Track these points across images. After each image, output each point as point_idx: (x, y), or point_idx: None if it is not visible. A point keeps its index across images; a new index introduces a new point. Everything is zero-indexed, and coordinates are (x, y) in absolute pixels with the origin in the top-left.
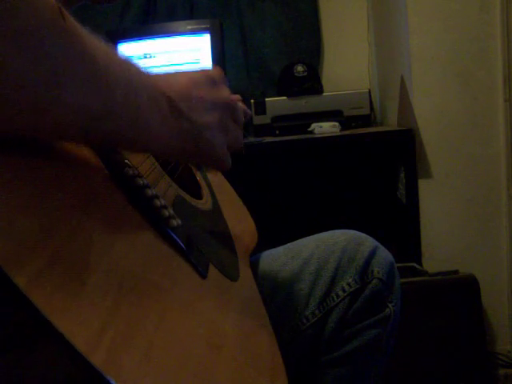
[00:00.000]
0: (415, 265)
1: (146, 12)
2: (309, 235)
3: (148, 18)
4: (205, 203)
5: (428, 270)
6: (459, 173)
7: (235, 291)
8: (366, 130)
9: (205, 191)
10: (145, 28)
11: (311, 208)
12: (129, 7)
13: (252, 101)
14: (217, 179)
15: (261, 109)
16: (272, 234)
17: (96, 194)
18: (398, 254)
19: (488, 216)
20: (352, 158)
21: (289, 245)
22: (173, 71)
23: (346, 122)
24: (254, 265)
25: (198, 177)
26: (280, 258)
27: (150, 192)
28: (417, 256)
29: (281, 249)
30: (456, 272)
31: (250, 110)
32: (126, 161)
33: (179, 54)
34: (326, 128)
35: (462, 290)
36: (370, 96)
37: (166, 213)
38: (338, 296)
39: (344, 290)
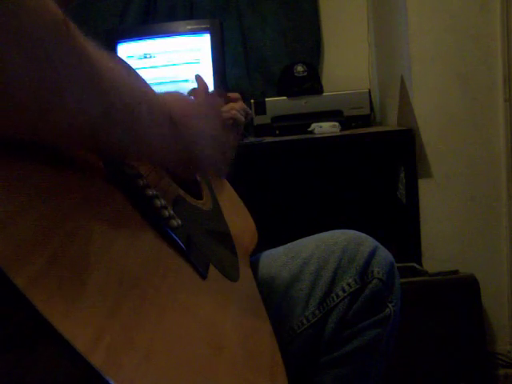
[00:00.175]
0: (415, 265)
1: (146, 12)
2: (309, 235)
3: (148, 18)
4: (205, 203)
5: (428, 270)
6: (459, 173)
7: (235, 291)
8: (366, 130)
9: (205, 191)
10: (145, 28)
11: (311, 208)
12: (129, 7)
13: (252, 101)
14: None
15: (261, 109)
16: (272, 233)
17: (96, 195)
18: (397, 254)
19: (488, 216)
20: (352, 158)
21: (289, 245)
22: (179, 94)
23: (346, 121)
24: (254, 265)
25: (198, 177)
26: (280, 258)
27: (150, 192)
28: (417, 256)
29: (281, 249)
30: (456, 272)
31: (250, 110)
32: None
33: (179, 53)
34: (325, 128)
35: (462, 290)
36: (370, 96)
37: (166, 213)
38: (338, 296)
39: (344, 290)
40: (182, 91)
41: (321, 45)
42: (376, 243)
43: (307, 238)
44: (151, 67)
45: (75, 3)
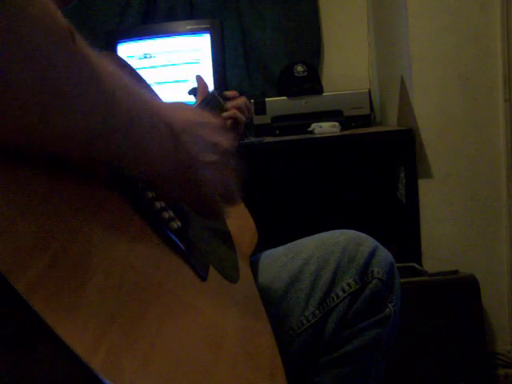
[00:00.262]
0: (415, 265)
1: (146, 12)
2: (309, 235)
3: (148, 18)
4: None
5: (428, 270)
6: (459, 173)
7: (235, 293)
8: (366, 130)
9: None
10: (145, 28)
11: (311, 208)
12: (129, 7)
13: (252, 101)
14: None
15: (261, 109)
16: (272, 233)
17: (95, 197)
18: (398, 254)
19: (488, 216)
20: (352, 158)
21: (289, 245)
22: (178, 104)
23: (346, 121)
24: (254, 265)
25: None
26: (280, 258)
27: (150, 194)
28: (417, 256)
29: (281, 249)
30: (456, 272)
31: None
32: None
33: (179, 54)
34: (325, 128)
35: (462, 290)
36: (370, 96)
37: (166, 215)
38: (338, 296)
39: (344, 291)
40: (184, 103)
41: (321, 45)
42: (376, 243)
43: (307, 238)
44: (151, 67)
45: (74, 2)
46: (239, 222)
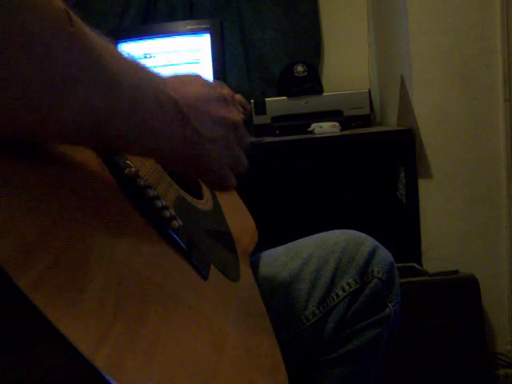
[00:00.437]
0: (415, 265)
1: (146, 12)
2: (309, 235)
3: (148, 18)
4: (205, 203)
5: (428, 270)
6: (459, 173)
7: (236, 292)
8: (366, 130)
9: (205, 191)
10: (145, 28)
11: (311, 208)
12: (129, 7)
13: (252, 101)
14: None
15: (261, 109)
16: (272, 234)
17: (97, 196)
18: (398, 254)
19: (488, 216)
20: (352, 158)
21: (289, 245)
22: (188, 77)
23: (346, 122)
24: (254, 265)
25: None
26: (280, 258)
27: (151, 193)
28: (417, 256)
29: (281, 249)
30: (456, 272)
31: (250, 110)
32: (128, 161)
33: (179, 53)
34: (325, 128)
35: (462, 290)
36: (370, 96)
37: (167, 213)
38: (337, 296)
39: (344, 290)
40: (196, 75)
41: (321, 45)
42: (376, 243)
43: (307, 237)
44: (151, 67)
45: (73, 2)
46: (239, 221)
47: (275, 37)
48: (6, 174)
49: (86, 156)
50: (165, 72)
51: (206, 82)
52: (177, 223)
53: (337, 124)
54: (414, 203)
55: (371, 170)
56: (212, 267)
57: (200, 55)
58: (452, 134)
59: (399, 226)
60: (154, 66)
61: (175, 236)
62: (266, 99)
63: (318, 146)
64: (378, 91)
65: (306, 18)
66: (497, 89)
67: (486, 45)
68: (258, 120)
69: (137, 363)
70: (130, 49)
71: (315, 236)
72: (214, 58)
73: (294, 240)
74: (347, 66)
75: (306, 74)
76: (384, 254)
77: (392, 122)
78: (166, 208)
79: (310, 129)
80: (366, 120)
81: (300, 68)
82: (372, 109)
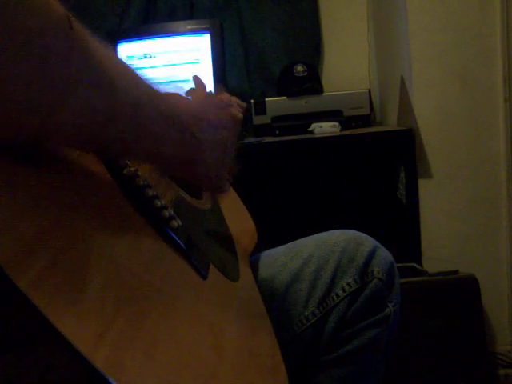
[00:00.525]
0: (415, 265)
1: (146, 12)
2: (309, 235)
3: (148, 17)
4: (205, 203)
5: (428, 270)
6: (459, 173)
7: (236, 291)
8: (366, 130)
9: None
10: (145, 28)
11: (311, 208)
12: (129, 7)
13: (252, 101)
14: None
15: (261, 109)
16: (272, 234)
17: (96, 195)
18: (397, 254)
19: (488, 216)
20: (352, 158)
21: (289, 245)
22: (185, 95)
23: (346, 122)
24: (253, 265)
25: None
26: (280, 258)
27: (150, 192)
28: (417, 256)
29: (281, 249)
30: (456, 272)
31: (250, 110)
32: (127, 161)
33: (179, 53)
34: (326, 128)
35: (462, 290)
36: (370, 96)
37: (167, 213)
38: (337, 296)
39: (344, 290)
40: (179, 91)
41: (321, 45)
42: (376, 243)
43: (307, 237)
44: (151, 67)
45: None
46: (239, 221)
47: (275, 37)
48: (5, 174)
49: (85, 157)
50: (164, 72)
51: (204, 90)
52: (176, 223)
53: (337, 124)
54: (414, 203)
55: (371, 170)
56: (211, 267)
57: (200, 55)
58: (452, 134)
59: (399, 226)
60: (154, 66)
61: (174, 236)
62: (266, 99)
63: (318, 146)
64: (378, 91)
65: (306, 17)
66: (497, 89)
67: (486, 44)
68: (257, 120)
69: (136, 363)
70: (130, 49)
71: (315, 236)
72: (213, 58)
73: (294, 240)
74: (347, 66)
75: (306, 73)
76: (384, 254)
77: (392, 122)
78: (165, 208)
79: (309, 129)
80: (366, 120)
81: (300, 68)
82: (372, 109)
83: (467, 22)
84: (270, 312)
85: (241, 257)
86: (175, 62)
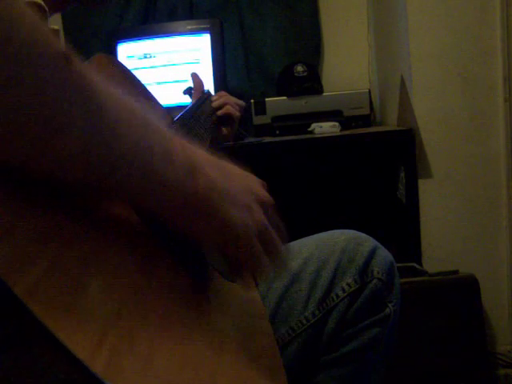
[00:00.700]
0: (415, 265)
1: (146, 12)
2: (309, 235)
3: (148, 18)
4: None
5: (428, 270)
6: (459, 173)
7: (235, 292)
8: (366, 130)
9: None
10: (145, 28)
11: (311, 208)
12: (129, 7)
13: (252, 101)
14: None
15: (261, 109)
16: None
17: (91, 200)
18: (397, 254)
19: (488, 216)
20: (352, 158)
21: (288, 245)
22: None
23: (346, 122)
24: None
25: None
26: None
27: None
28: (417, 256)
29: None
30: (456, 272)
31: (250, 110)
32: None
33: (179, 54)
34: (326, 128)
35: (462, 290)
36: (370, 96)
37: None
38: (337, 296)
39: (344, 290)
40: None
41: (321, 45)
42: (376, 243)
43: (307, 237)
44: (151, 67)
45: (73, 6)
46: None
47: (275, 37)
48: (1, 179)
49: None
50: (164, 72)
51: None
52: None
53: (337, 124)
54: (414, 203)
55: (371, 169)
56: (210, 268)
57: (200, 55)
58: (452, 134)
59: (399, 226)
60: (154, 66)
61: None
62: (266, 99)
63: (318, 146)
64: (378, 91)
65: (306, 18)
66: (497, 89)
67: (486, 45)
68: (257, 120)
69: (136, 367)
70: (130, 49)
71: (315, 236)
72: (213, 57)
73: (293, 240)
74: (347, 66)
75: (305, 73)
76: (384, 254)
77: (392, 122)
78: None
79: (309, 129)
80: (366, 120)
81: (300, 68)
82: (372, 109)
83: (467, 22)
84: (269, 312)
85: None
86: (175, 62)
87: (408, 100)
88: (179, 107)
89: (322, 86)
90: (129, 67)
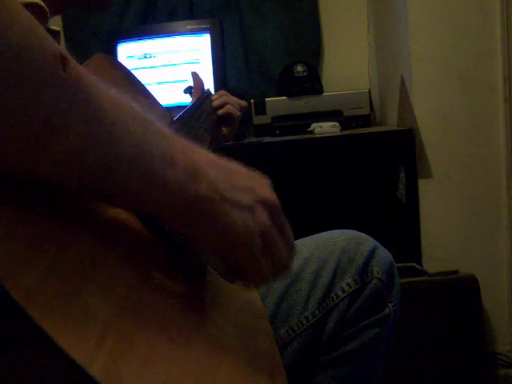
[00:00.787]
0: (415, 265)
1: (146, 12)
2: (309, 235)
3: (148, 18)
4: None
5: (428, 270)
6: (459, 173)
7: (235, 292)
8: (366, 130)
9: None
10: (145, 28)
11: (311, 208)
12: (129, 7)
13: (252, 101)
14: None
15: (261, 109)
16: None
17: (93, 203)
18: (397, 254)
19: (488, 216)
20: (352, 157)
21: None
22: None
23: (346, 122)
24: None
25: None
26: None
27: None
28: (417, 256)
29: None
30: (456, 272)
31: (250, 110)
32: None
33: (179, 53)
34: (326, 128)
35: (462, 290)
36: (370, 96)
37: None
38: (337, 296)
39: (344, 291)
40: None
41: (321, 45)
42: (375, 243)
43: (307, 237)
44: (151, 67)
45: (74, 8)
46: None
47: (275, 37)
48: None
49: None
50: (164, 72)
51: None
52: None
53: (337, 124)
54: (414, 203)
55: (371, 169)
56: (209, 268)
57: (200, 55)
58: (452, 134)
59: (399, 226)
60: (154, 66)
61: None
62: (266, 99)
63: (318, 146)
64: (378, 91)
65: (306, 17)
66: (497, 89)
67: (486, 44)
68: (257, 120)
69: (134, 370)
70: (130, 49)
71: (315, 236)
72: (214, 57)
73: (294, 240)
74: (347, 66)
75: (305, 73)
76: (384, 254)
77: (392, 122)
78: None
79: (309, 129)
80: (366, 120)
81: (300, 68)
82: (372, 109)
83: (467, 22)
84: (269, 312)
85: None
86: (175, 62)
87: (408, 100)
88: (179, 107)
89: (322, 86)
90: (129, 67)
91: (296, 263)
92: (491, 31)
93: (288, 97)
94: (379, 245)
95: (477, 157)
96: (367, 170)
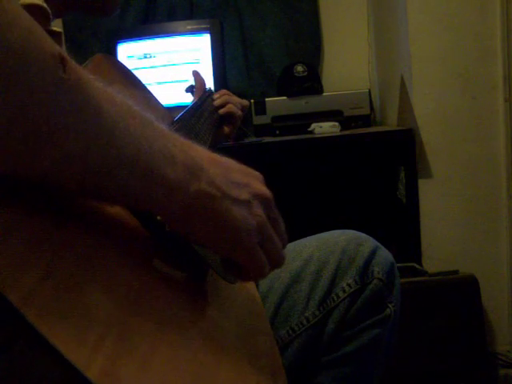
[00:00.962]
0: (415, 265)
1: (146, 12)
2: (309, 235)
3: (148, 18)
4: None
5: (428, 270)
6: (459, 173)
7: (234, 293)
8: (366, 130)
9: None
10: (145, 28)
11: (311, 208)
12: (129, 7)
13: (252, 101)
14: None
15: (261, 109)
16: None
17: (91, 206)
18: (398, 254)
19: (488, 216)
20: (352, 157)
21: (289, 245)
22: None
23: (345, 122)
24: None
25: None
26: None
27: None
28: (417, 256)
29: None
30: (456, 272)
31: (250, 110)
32: None
33: (179, 54)
34: (325, 128)
35: (462, 290)
36: (370, 96)
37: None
38: (338, 297)
39: (344, 291)
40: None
41: (321, 45)
42: (376, 243)
43: (307, 238)
44: (151, 67)
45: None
46: None
47: (275, 37)
48: None
49: None
50: (164, 72)
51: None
52: None
53: (337, 124)
54: (414, 203)
55: (371, 170)
56: (208, 268)
57: (200, 55)
58: (452, 134)
59: (399, 226)
60: (154, 66)
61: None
62: (266, 99)
63: (318, 146)
64: (378, 91)
65: (306, 17)
66: (497, 89)
67: (486, 44)
68: (257, 120)
69: (132, 372)
70: (130, 49)
71: (315, 236)
72: (213, 57)
73: (294, 240)
74: (347, 66)
75: (306, 73)
76: (384, 255)
77: (392, 122)
78: None
79: (309, 129)
80: (366, 120)
81: (300, 68)
82: (372, 109)
83: (467, 22)
84: (269, 313)
85: None
86: (175, 62)
87: (408, 100)
88: (179, 107)
89: (322, 86)
90: (129, 67)
91: (296, 264)
92: (491, 31)
93: (288, 97)
94: (380, 245)
95: (477, 157)
96: (367, 170)
